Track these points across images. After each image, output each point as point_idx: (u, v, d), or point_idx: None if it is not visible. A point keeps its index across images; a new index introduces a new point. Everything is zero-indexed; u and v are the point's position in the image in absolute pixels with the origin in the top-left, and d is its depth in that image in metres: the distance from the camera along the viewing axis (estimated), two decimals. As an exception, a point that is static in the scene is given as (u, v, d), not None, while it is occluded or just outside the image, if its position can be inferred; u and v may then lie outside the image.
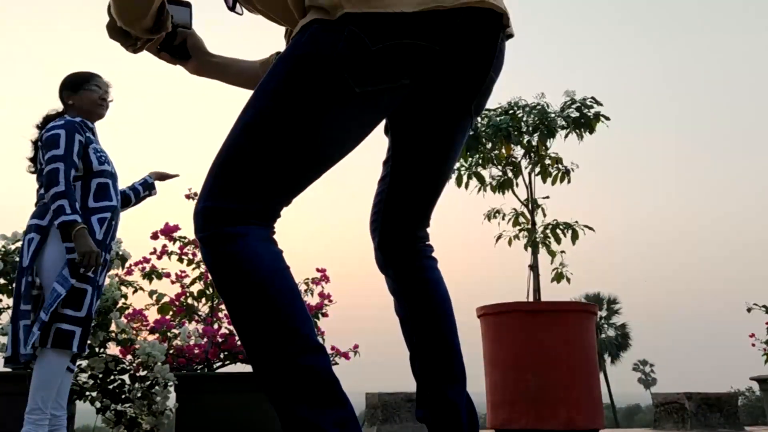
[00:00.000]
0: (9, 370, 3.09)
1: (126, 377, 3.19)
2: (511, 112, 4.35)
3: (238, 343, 3.60)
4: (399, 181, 1.39)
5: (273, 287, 1.08)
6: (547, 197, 4.38)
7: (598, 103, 4.33)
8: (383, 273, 1.47)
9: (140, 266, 3.83)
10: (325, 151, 1.15)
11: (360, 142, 1.21)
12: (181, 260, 3.87)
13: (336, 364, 3.66)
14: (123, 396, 3.15)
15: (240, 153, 1.12)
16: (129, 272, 3.73)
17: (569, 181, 4.39)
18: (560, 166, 4.39)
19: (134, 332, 3.38)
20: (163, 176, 2.99)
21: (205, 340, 3.54)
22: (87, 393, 3.17)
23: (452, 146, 1.34)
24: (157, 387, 3.14)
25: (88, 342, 3.10)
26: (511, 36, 1.29)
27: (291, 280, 1.12)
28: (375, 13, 1.09)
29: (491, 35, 1.21)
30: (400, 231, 1.42)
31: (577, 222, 4.31)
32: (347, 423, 1.05)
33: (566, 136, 4.35)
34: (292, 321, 1.07)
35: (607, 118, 4.32)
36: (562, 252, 4.33)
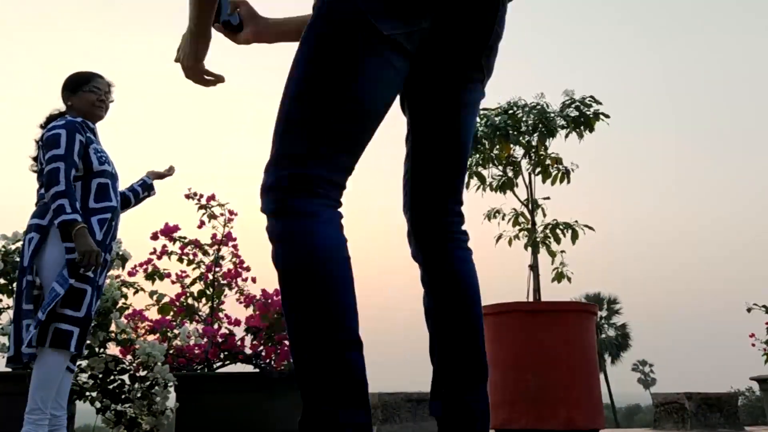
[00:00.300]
0: (9, 370, 3.09)
1: (126, 377, 3.19)
2: (510, 112, 4.35)
3: (238, 343, 3.60)
4: (421, 154, 1.37)
5: (333, 274, 1.09)
6: (548, 198, 4.38)
7: (597, 102, 4.33)
8: (415, 261, 1.42)
9: (143, 267, 3.83)
10: (369, 103, 1.17)
11: (397, 93, 1.23)
12: (181, 260, 3.87)
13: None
14: (123, 396, 3.15)
15: (296, 123, 1.14)
16: (132, 273, 3.73)
17: (569, 181, 4.39)
18: (560, 166, 4.39)
19: (134, 333, 3.38)
20: (161, 175, 3.00)
21: (205, 340, 3.54)
22: (87, 393, 3.18)
23: (467, 107, 1.35)
24: (157, 387, 3.14)
25: (88, 342, 3.10)
26: None
27: (349, 270, 1.12)
28: None
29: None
30: (431, 207, 1.38)
31: (576, 222, 4.31)
32: (363, 430, 1.05)
33: (566, 135, 4.35)
34: (345, 310, 1.08)
35: (607, 116, 4.33)
36: (562, 252, 4.33)
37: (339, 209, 1.16)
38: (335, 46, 1.14)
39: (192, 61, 1.40)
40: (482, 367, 1.34)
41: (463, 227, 1.41)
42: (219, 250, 3.90)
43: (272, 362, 3.48)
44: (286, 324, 1.13)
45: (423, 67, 1.29)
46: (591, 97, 4.34)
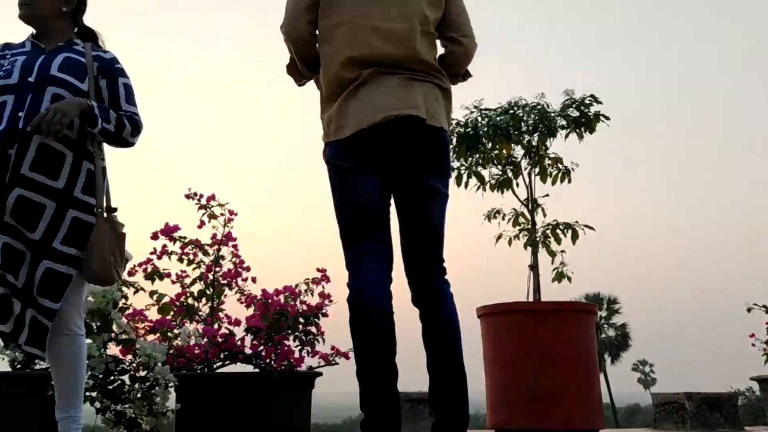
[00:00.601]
0: (9, 369, 3.09)
1: (126, 378, 3.19)
2: (511, 111, 4.35)
3: (238, 343, 3.60)
4: (402, 234, 2.10)
5: (381, 341, 1.95)
6: (546, 195, 4.38)
7: (597, 101, 4.32)
8: (414, 305, 2.12)
9: (143, 267, 3.83)
10: (354, 207, 2.04)
11: (369, 197, 2.03)
12: (181, 260, 3.87)
13: (336, 364, 3.66)
14: (123, 396, 3.15)
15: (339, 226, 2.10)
16: (132, 273, 3.73)
17: (569, 181, 4.39)
18: (560, 165, 4.39)
19: (134, 333, 3.38)
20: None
21: (205, 340, 3.54)
22: (87, 393, 3.18)
23: (430, 201, 2.06)
24: (157, 387, 3.15)
25: (90, 341, 3.10)
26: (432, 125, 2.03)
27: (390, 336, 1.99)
28: (335, 140, 2.06)
29: (405, 131, 1.99)
30: (415, 270, 2.10)
31: (577, 222, 4.31)
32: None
33: (567, 135, 4.35)
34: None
35: (607, 118, 4.32)
36: (563, 252, 4.33)
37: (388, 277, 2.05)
38: (330, 176, 2.11)
39: None
40: (464, 382, 2.01)
41: (445, 276, 2.11)
42: (219, 250, 3.90)
43: (272, 362, 3.48)
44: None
45: (394, 177, 2.06)
46: (591, 96, 4.34)
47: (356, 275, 1.98)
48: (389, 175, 2.05)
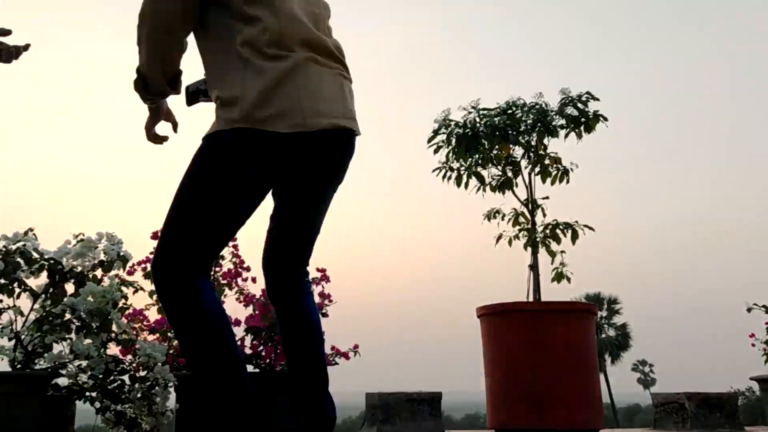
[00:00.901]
0: (9, 369, 3.09)
1: (126, 377, 3.18)
2: (509, 111, 4.35)
3: (238, 343, 3.61)
4: (280, 233, 1.90)
5: (217, 323, 1.69)
6: (546, 197, 4.38)
7: (594, 98, 4.32)
8: (271, 303, 1.98)
9: (142, 266, 3.82)
10: (228, 210, 1.70)
11: (249, 205, 1.75)
12: (181, 260, 3.86)
13: (336, 364, 3.65)
14: (123, 396, 3.15)
15: (177, 222, 1.69)
16: (131, 272, 3.72)
17: (568, 181, 4.39)
18: (560, 165, 4.39)
19: (134, 332, 3.38)
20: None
21: (205, 340, 3.53)
22: (87, 393, 3.18)
23: (321, 204, 1.88)
24: (157, 387, 3.15)
25: (89, 342, 3.10)
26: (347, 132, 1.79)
27: (225, 318, 1.73)
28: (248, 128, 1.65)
29: (339, 142, 1.77)
30: (282, 270, 1.91)
31: (576, 222, 4.31)
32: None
33: (566, 135, 4.35)
34: (226, 344, 1.72)
35: (605, 119, 4.32)
36: (563, 252, 4.33)
37: (209, 275, 1.78)
38: (207, 169, 1.73)
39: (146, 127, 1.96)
40: (325, 377, 1.94)
41: (308, 278, 1.97)
42: (219, 250, 3.90)
43: (272, 362, 3.48)
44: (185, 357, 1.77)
45: (285, 183, 1.81)
46: (588, 93, 4.34)
47: (186, 280, 1.69)
48: (282, 184, 1.83)
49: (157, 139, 1.96)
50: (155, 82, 1.77)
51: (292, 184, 1.82)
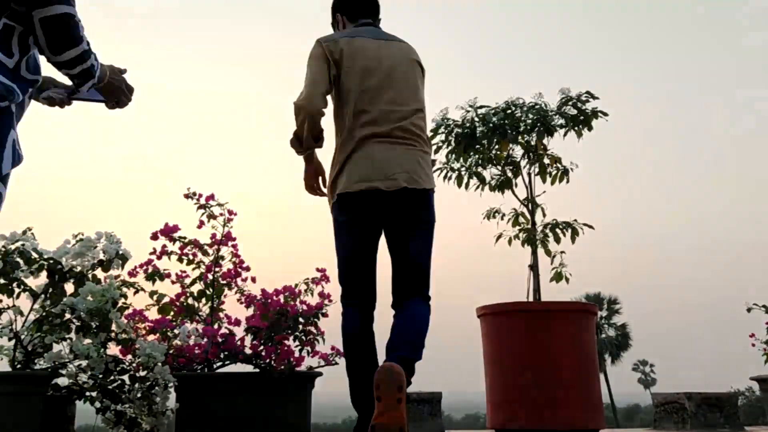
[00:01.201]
0: (9, 369, 3.09)
1: (126, 377, 3.18)
2: (509, 111, 4.35)
3: (238, 343, 3.60)
4: (394, 267, 2.53)
5: (360, 353, 2.46)
6: (543, 192, 4.38)
7: (594, 97, 4.32)
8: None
9: (144, 268, 3.82)
10: (350, 254, 2.54)
11: (365, 247, 2.53)
12: (181, 260, 3.86)
13: (336, 364, 3.65)
14: (123, 396, 3.15)
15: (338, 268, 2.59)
16: (133, 274, 3.71)
17: (568, 181, 4.39)
18: (559, 165, 4.39)
19: (134, 332, 3.38)
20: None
21: (205, 340, 3.54)
22: (87, 393, 3.18)
23: (414, 241, 2.50)
24: (157, 387, 3.14)
25: (89, 342, 3.10)
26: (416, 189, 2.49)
27: (371, 349, 2.49)
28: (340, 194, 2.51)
29: (392, 196, 2.44)
30: (396, 293, 2.50)
31: (576, 221, 4.31)
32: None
33: (565, 134, 4.35)
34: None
35: (605, 114, 4.32)
36: (562, 252, 4.32)
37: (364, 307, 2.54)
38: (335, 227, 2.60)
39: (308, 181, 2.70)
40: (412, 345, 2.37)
41: (426, 300, 2.51)
42: (219, 250, 3.90)
43: (272, 362, 3.48)
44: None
45: (386, 224, 2.53)
46: (587, 92, 4.33)
47: (343, 308, 2.54)
48: (378, 226, 2.53)
49: (317, 191, 2.66)
50: (308, 141, 2.53)
51: (384, 224, 2.56)
